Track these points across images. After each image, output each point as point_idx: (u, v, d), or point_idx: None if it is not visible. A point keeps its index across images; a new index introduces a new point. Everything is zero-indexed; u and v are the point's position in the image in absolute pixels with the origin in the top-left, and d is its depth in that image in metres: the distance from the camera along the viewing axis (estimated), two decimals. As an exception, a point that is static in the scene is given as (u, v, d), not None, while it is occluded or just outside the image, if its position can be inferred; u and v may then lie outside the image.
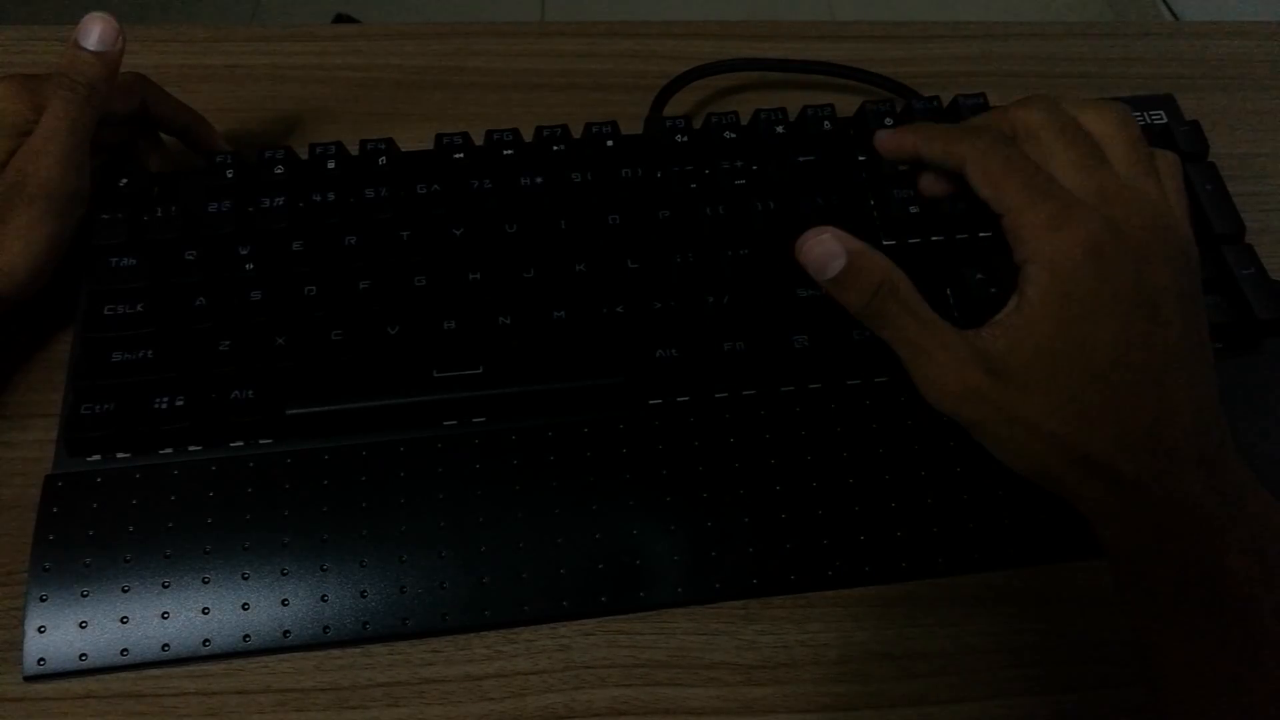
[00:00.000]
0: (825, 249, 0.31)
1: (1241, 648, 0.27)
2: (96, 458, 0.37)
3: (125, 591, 0.34)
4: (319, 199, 0.41)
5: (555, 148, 0.42)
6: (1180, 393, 0.29)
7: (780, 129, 0.43)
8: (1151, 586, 0.29)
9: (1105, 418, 0.28)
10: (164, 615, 0.34)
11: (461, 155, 0.42)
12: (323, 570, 0.35)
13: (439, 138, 0.43)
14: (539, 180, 0.42)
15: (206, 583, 0.35)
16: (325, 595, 0.35)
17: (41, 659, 0.33)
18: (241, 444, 0.37)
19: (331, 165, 0.42)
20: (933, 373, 0.30)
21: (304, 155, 0.43)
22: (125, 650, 0.34)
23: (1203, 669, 0.28)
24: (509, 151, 0.42)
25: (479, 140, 0.43)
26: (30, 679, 0.33)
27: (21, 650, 0.33)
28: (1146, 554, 0.29)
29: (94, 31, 0.38)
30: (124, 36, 0.39)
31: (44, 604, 0.34)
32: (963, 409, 0.30)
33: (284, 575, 0.35)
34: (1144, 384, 0.28)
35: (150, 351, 0.37)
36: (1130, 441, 0.28)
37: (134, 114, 0.42)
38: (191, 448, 0.37)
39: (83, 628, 0.34)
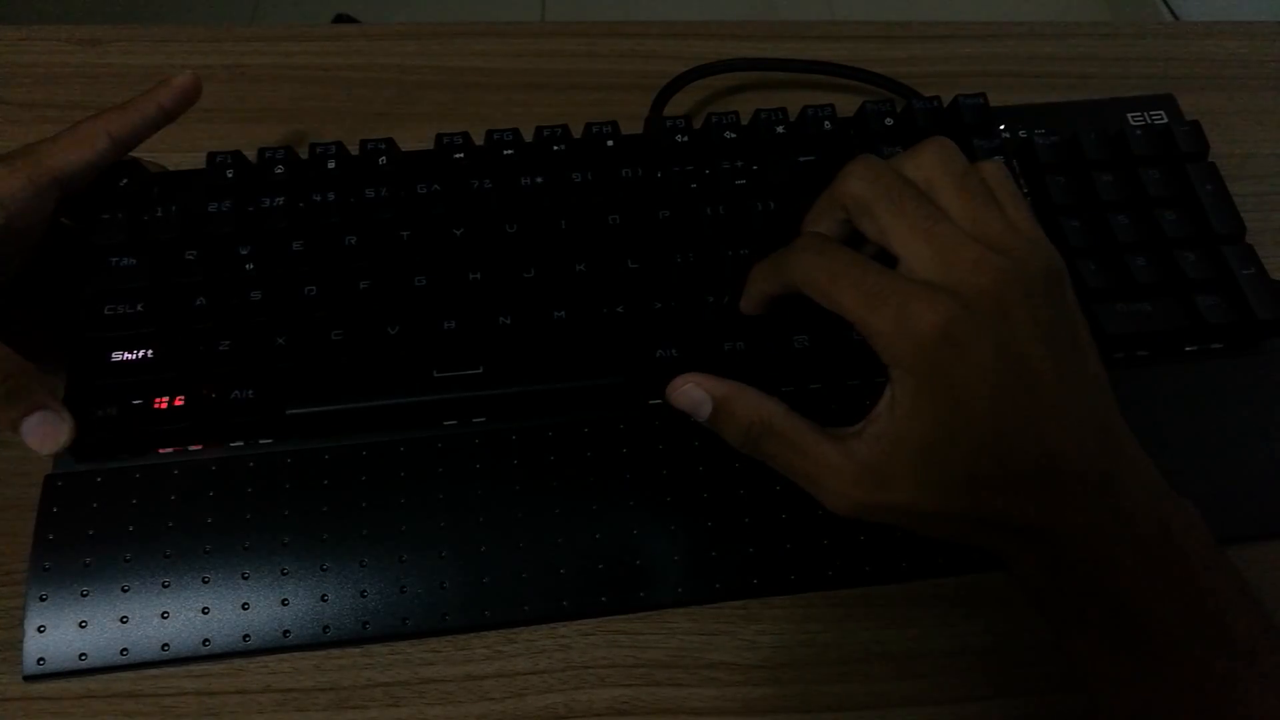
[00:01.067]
0: (690, 398, 0.33)
1: (1141, 662, 0.28)
2: (96, 458, 0.37)
3: (125, 591, 0.34)
4: (319, 199, 0.41)
5: (555, 148, 0.42)
6: (1067, 432, 0.29)
7: (780, 129, 0.43)
8: (1060, 616, 0.30)
9: (996, 483, 0.29)
10: (164, 615, 0.34)
11: (461, 155, 0.42)
12: (323, 570, 0.35)
13: (439, 138, 0.43)
14: (539, 180, 0.42)
15: (206, 582, 0.35)
16: (325, 595, 0.35)
17: (41, 659, 0.33)
18: (241, 444, 0.37)
19: (331, 165, 0.42)
20: (826, 497, 0.31)
21: (304, 155, 0.43)
22: (125, 650, 0.34)
23: (1117, 687, 0.29)
24: (509, 151, 0.42)
25: (479, 140, 0.43)
26: (30, 679, 0.33)
27: (21, 650, 0.33)
28: (1054, 588, 0.30)
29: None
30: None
31: (44, 604, 0.34)
32: (866, 517, 0.30)
33: (284, 575, 0.35)
34: (1029, 439, 0.28)
35: (150, 351, 0.37)
36: (1023, 497, 0.29)
37: (101, 159, 0.39)
38: (191, 448, 0.37)
39: (82, 627, 0.34)
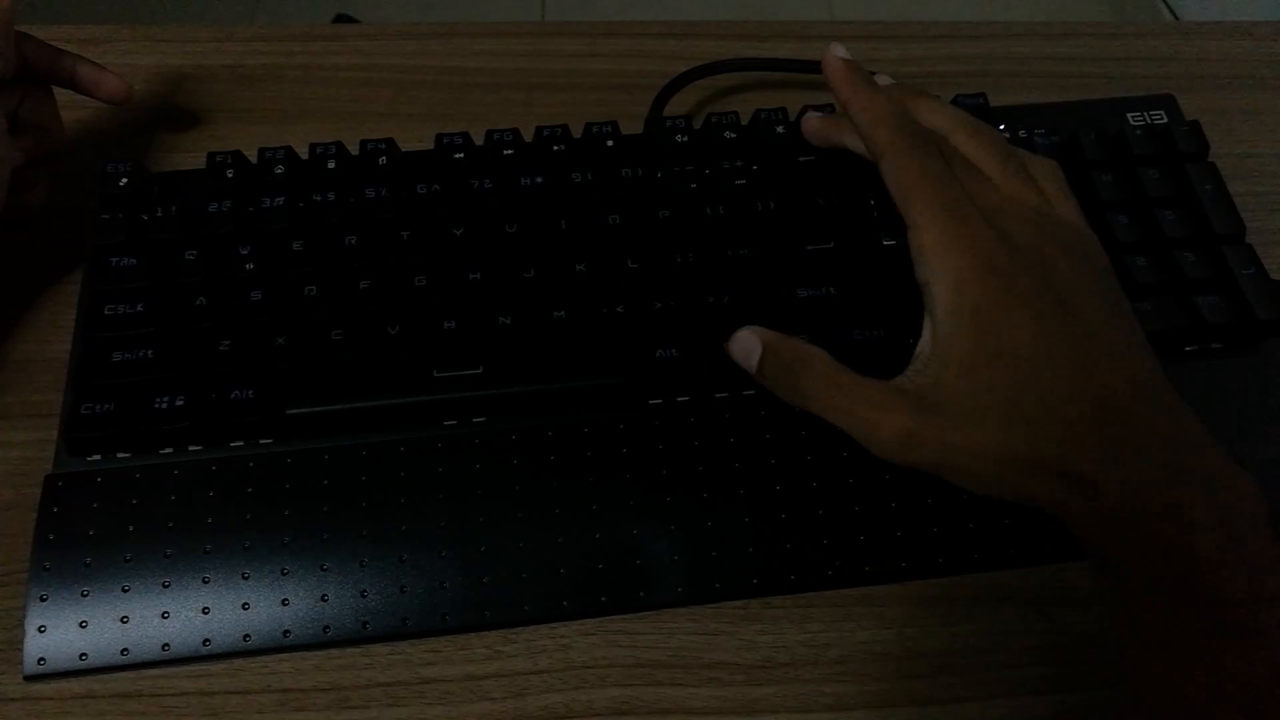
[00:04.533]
0: (743, 345, 0.34)
1: (1203, 631, 0.27)
2: (96, 458, 0.37)
3: (125, 591, 0.34)
4: (319, 199, 0.41)
5: (555, 148, 0.42)
6: (1115, 378, 0.28)
7: (780, 129, 0.43)
8: (1124, 578, 0.29)
9: (1045, 420, 0.28)
10: (164, 615, 0.34)
11: (461, 155, 0.42)
12: (323, 570, 0.35)
13: (439, 138, 0.43)
14: (539, 180, 0.42)
15: (206, 582, 0.35)
16: (325, 595, 0.35)
17: (41, 658, 0.33)
18: (241, 444, 0.37)
19: (331, 165, 0.42)
20: (871, 433, 0.31)
21: (304, 155, 0.43)
22: (125, 650, 0.34)
23: (1174, 657, 0.28)
24: (509, 151, 0.42)
25: (479, 140, 0.43)
26: (30, 678, 0.33)
27: (21, 650, 0.33)
28: (1118, 545, 0.29)
29: None
30: None
31: (44, 604, 0.34)
32: (912, 457, 0.30)
33: (284, 575, 0.35)
34: (1075, 377, 0.28)
35: (150, 351, 0.37)
36: (1076, 436, 0.28)
37: (17, 73, 0.40)
38: (191, 448, 0.37)
39: (83, 627, 0.34)
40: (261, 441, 0.37)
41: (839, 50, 0.36)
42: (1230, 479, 0.29)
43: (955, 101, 0.44)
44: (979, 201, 0.31)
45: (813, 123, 0.41)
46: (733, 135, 0.43)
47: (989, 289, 0.29)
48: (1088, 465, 0.28)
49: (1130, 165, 0.42)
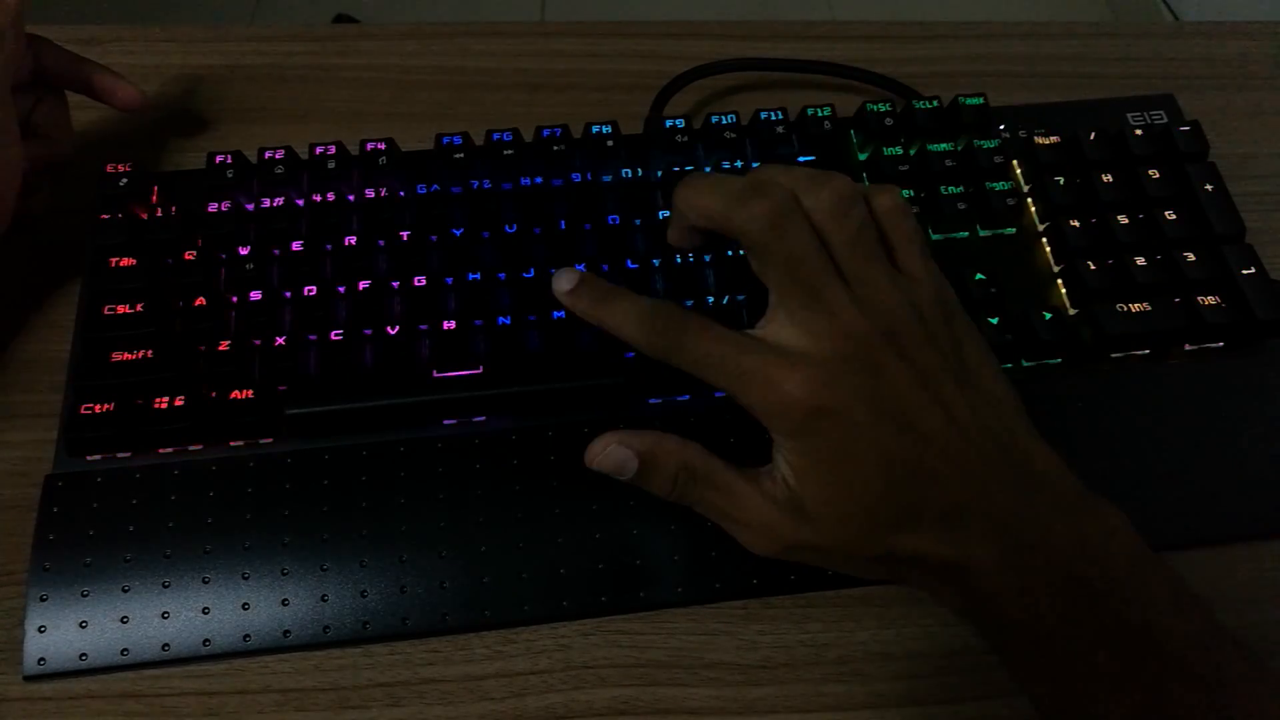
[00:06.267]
0: (614, 458, 0.32)
1: (1065, 681, 0.28)
2: (96, 458, 0.37)
3: (125, 591, 0.34)
4: (319, 199, 0.41)
5: (555, 148, 0.42)
6: (964, 475, 0.29)
7: (780, 129, 0.43)
8: (998, 644, 0.30)
9: (901, 524, 0.29)
10: (164, 615, 0.34)
11: (461, 155, 0.42)
12: (323, 570, 0.35)
13: (439, 138, 0.43)
14: (539, 180, 0.42)
15: (206, 583, 0.35)
16: (325, 595, 0.35)
17: (42, 659, 0.33)
18: (241, 444, 0.37)
19: (331, 165, 0.42)
20: (749, 536, 0.31)
21: (304, 155, 0.43)
22: (125, 650, 0.34)
23: (1066, 707, 0.29)
24: (509, 151, 0.42)
25: (479, 140, 0.43)
26: (30, 679, 0.33)
27: (21, 650, 0.33)
28: (981, 618, 0.30)
29: None
30: None
31: (44, 604, 0.34)
32: (787, 556, 0.31)
33: (284, 575, 0.35)
34: (922, 481, 0.29)
35: (150, 351, 0.37)
36: (929, 535, 0.29)
37: (31, 76, 0.41)
38: (191, 448, 0.37)
39: (83, 627, 0.34)
40: (261, 441, 0.37)
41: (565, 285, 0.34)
42: (1095, 516, 0.30)
43: (955, 101, 0.44)
44: (819, 307, 0.29)
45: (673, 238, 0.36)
46: (732, 135, 0.43)
47: (822, 434, 0.29)
48: (951, 556, 0.29)
49: (1130, 165, 0.42)
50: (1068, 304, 0.40)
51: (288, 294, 0.39)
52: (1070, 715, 0.28)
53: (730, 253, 0.40)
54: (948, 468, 0.29)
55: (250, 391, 0.37)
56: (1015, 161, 0.44)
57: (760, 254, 0.30)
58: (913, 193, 0.42)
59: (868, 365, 0.29)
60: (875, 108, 0.44)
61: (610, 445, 0.32)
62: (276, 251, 0.40)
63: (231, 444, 0.37)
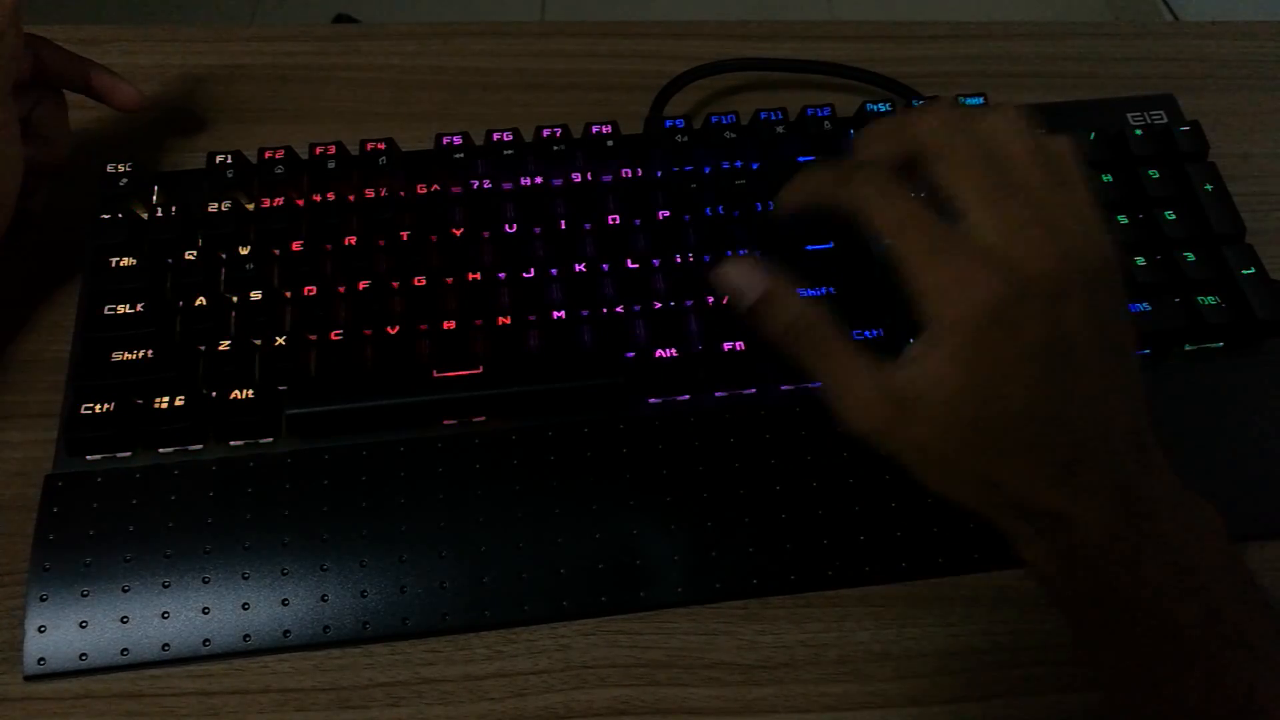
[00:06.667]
0: (745, 278, 0.31)
1: (1154, 661, 0.28)
2: (96, 458, 0.37)
3: (125, 591, 0.34)
4: (319, 199, 0.41)
5: (555, 148, 0.42)
6: (1100, 425, 0.29)
7: (780, 129, 0.43)
8: (1074, 610, 0.30)
9: (1018, 459, 0.29)
10: (164, 615, 0.34)
11: (461, 155, 0.42)
12: (323, 570, 0.35)
13: (439, 138, 0.43)
14: (539, 180, 0.42)
15: (206, 582, 0.35)
16: (325, 595, 0.35)
17: (42, 659, 0.33)
18: (241, 444, 0.37)
19: (331, 165, 0.42)
20: (846, 405, 0.30)
21: (304, 155, 0.43)
22: (125, 650, 0.34)
23: (1136, 687, 0.29)
24: (509, 151, 0.42)
25: (479, 140, 0.43)
26: (30, 679, 0.33)
27: (21, 650, 0.33)
28: (1068, 579, 0.30)
29: None
30: None
31: (44, 604, 0.34)
32: (881, 443, 0.30)
33: (284, 575, 0.35)
34: (1058, 428, 0.28)
35: (150, 351, 0.37)
36: (1044, 479, 0.29)
37: (32, 76, 0.41)
38: (191, 448, 0.37)
39: (83, 627, 0.34)
40: (261, 441, 0.37)
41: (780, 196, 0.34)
42: (1192, 510, 0.29)
43: (955, 102, 0.44)
44: (1000, 215, 0.29)
45: (785, 201, 0.35)
46: (733, 135, 0.43)
47: (989, 340, 0.28)
48: (1050, 506, 0.29)
49: (1130, 165, 0.42)
50: (1068, 304, 0.40)
51: (288, 294, 0.39)
52: (1142, 694, 0.28)
53: (730, 253, 0.40)
54: (1087, 416, 0.28)
55: (250, 391, 0.37)
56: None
57: (943, 161, 0.30)
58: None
59: (1056, 289, 0.28)
60: (875, 108, 0.44)
61: (745, 263, 0.31)
62: (276, 251, 0.40)
63: (231, 444, 0.37)
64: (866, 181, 0.31)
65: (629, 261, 0.40)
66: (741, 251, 0.32)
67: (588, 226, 0.41)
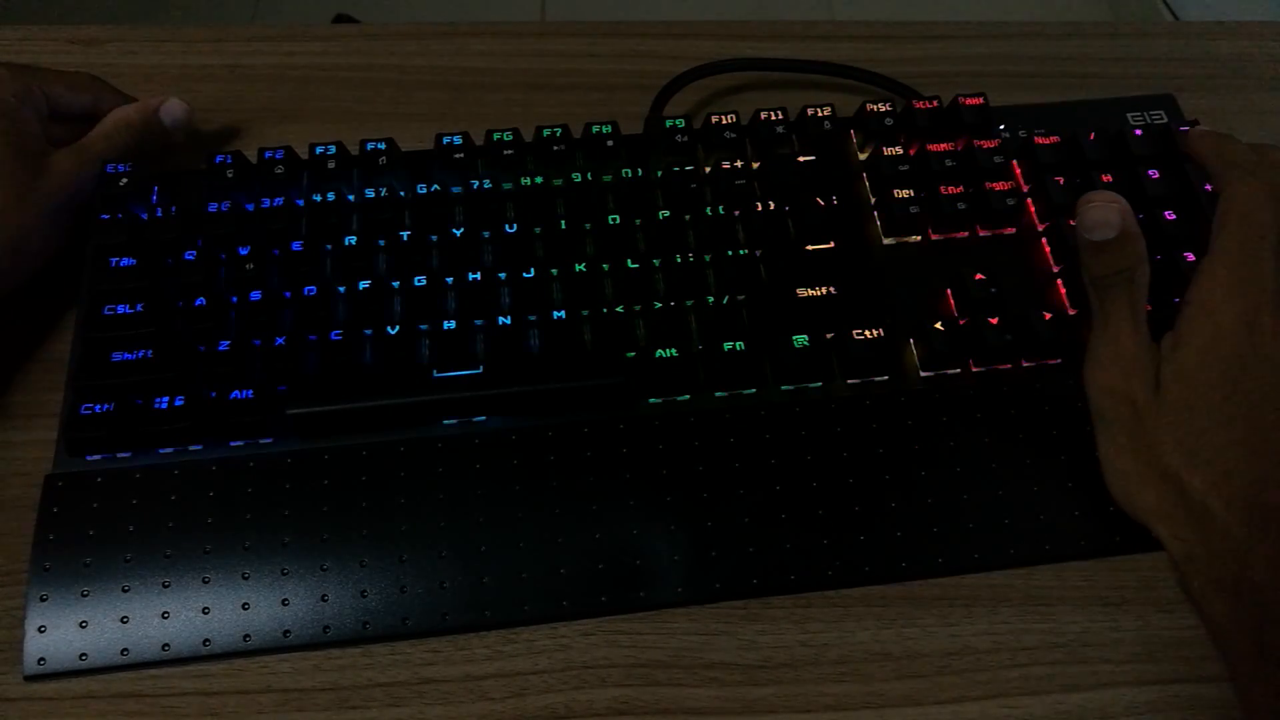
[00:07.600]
0: (1105, 215, 0.34)
1: None
2: (96, 458, 0.37)
3: (125, 591, 0.34)
4: (319, 199, 0.41)
5: (555, 148, 0.42)
6: None
7: (780, 129, 0.43)
8: (1233, 633, 0.31)
9: (1217, 458, 0.30)
10: (164, 615, 0.34)
11: (461, 155, 0.42)
12: (323, 570, 0.35)
13: (439, 138, 0.43)
14: (538, 180, 0.42)
15: (206, 583, 0.35)
16: (325, 595, 0.35)
17: (42, 659, 0.33)
18: (241, 444, 0.37)
19: (331, 165, 0.42)
20: (1103, 355, 0.33)
21: (304, 155, 0.43)
22: (125, 650, 0.34)
23: None
24: (509, 151, 0.42)
25: (479, 140, 0.43)
26: (30, 679, 0.33)
27: (21, 650, 0.33)
28: (1229, 602, 0.31)
29: None
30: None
31: (44, 604, 0.34)
32: (1106, 401, 0.33)
33: (284, 575, 0.35)
34: (1266, 442, 0.30)
35: (150, 351, 0.37)
36: (1230, 488, 0.30)
37: (85, 112, 0.43)
38: (191, 448, 0.37)
39: (83, 627, 0.34)
40: (261, 441, 0.37)
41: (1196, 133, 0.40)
42: None
43: (955, 102, 0.44)
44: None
45: (1195, 143, 0.41)
46: (732, 135, 0.43)
47: (1244, 340, 0.31)
48: (1226, 519, 0.30)
49: (1130, 165, 0.42)
50: (1068, 304, 0.40)
51: (288, 294, 0.39)
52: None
53: (730, 253, 0.40)
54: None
55: (250, 391, 0.37)
56: (1015, 161, 0.44)
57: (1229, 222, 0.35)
58: (912, 193, 0.42)
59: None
60: (875, 108, 0.44)
61: (1115, 204, 0.34)
62: (276, 251, 0.40)
63: (231, 444, 0.37)
64: (1243, 183, 0.35)
65: (629, 261, 0.40)
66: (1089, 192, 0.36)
67: (588, 226, 0.41)
